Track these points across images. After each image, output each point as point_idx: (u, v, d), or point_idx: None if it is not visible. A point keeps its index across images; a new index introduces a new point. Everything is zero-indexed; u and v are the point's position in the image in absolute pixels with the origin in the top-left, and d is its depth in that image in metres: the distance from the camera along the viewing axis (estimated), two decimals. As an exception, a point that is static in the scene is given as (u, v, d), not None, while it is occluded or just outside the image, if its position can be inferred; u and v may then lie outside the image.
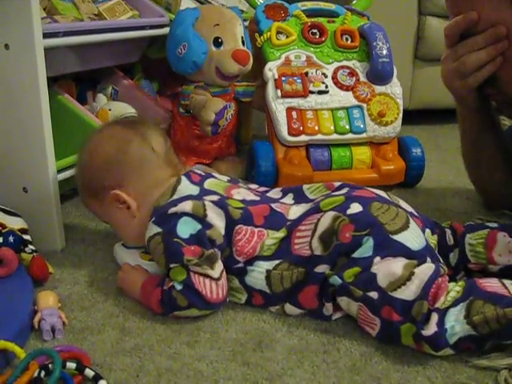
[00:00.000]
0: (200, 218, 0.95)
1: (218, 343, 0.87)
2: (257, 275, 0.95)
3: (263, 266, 0.95)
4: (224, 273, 0.94)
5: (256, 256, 0.96)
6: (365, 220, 0.92)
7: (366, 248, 0.89)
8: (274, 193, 1.10)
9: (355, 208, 0.94)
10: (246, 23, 1.70)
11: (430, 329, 0.81)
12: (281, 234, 0.96)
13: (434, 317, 0.82)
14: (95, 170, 1.05)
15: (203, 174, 1.08)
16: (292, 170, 1.47)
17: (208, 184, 1.04)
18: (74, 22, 1.34)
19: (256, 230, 0.97)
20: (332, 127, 1.52)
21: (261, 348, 0.86)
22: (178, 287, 0.92)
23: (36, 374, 0.73)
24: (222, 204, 0.98)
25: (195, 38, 1.46)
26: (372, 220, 0.92)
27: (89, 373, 0.77)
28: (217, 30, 1.49)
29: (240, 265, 0.96)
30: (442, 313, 0.82)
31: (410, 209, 1.02)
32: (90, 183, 1.06)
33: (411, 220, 0.95)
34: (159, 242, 0.95)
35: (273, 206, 1.02)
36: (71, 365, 0.77)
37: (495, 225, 1.03)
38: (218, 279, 0.92)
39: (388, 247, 0.89)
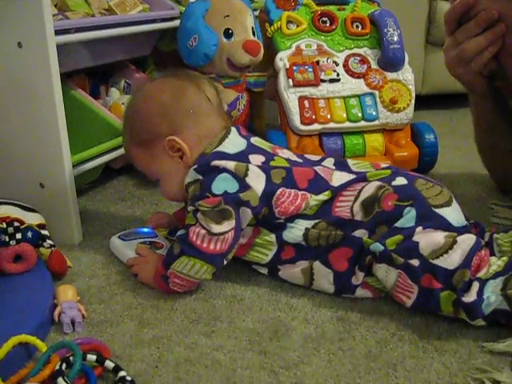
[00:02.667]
0: (240, 177, 0.96)
1: (235, 333, 0.88)
2: (295, 231, 0.97)
3: (303, 224, 0.97)
4: (232, 232, 0.94)
5: (297, 214, 0.97)
6: (408, 191, 0.94)
7: (409, 218, 0.91)
8: (312, 157, 1.11)
9: (400, 181, 0.97)
10: (256, 13, 1.70)
11: (471, 296, 0.83)
12: (325, 196, 0.98)
13: (476, 285, 0.83)
14: (151, 116, 1.03)
15: (248, 132, 1.09)
16: (305, 159, 1.47)
17: (254, 140, 1.06)
18: (85, 17, 1.35)
19: (300, 192, 0.98)
20: (344, 115, 1.52)
21: (277, 337, 0.87)
22: (179, 232, 0.95)
23: (57, 367, 0.75)
24: (265, 168, 0.99)
25: (206, 29, 1.47)
26: (415, 192, 0.94)
27: (109, 364, 0.78)
28: (227, 21, 1.50)
29: (280, 221, 0.98)
30: (483, 283, 0.84)
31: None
32: (143, 130, 1.04)
33: (454, 200, 0.96)
34: (198, 189, 0.97)
35: (317, 169, 1.02)
36: (91, 357, 0.78)
37: None
38: (215, 234, 0.93)
39: (430, 219, 0.91)
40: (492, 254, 0.97)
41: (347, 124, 1.52)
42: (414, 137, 1.58)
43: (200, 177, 0.97)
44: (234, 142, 1.02)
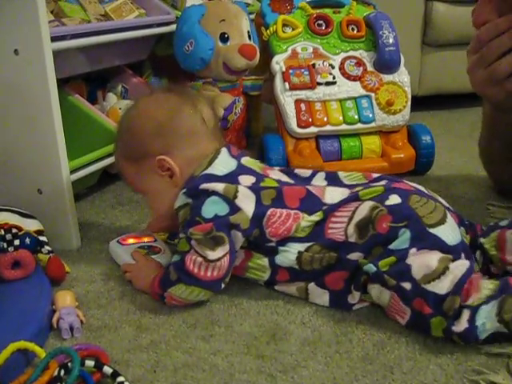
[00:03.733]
0: (229, 199, 0.95)
1: (233, 337, 0.89)
2: (288, 255, 0.96)
3: (296, 247, 0.96)
4: (226, 257, 0.94)
5: (289, 237, 0.96)
6: (403, 212, 0.92)
7: (403, 240, 0.90)
8: (302, 172, 1.10)
9: (394, 199, 0.94)
10: (252, 16, 1.70)
11: (461, 325, 0.82)
12: (317, 217, 0.96)
13: (466, 313, 0.82)
14: (144, 134, 1.02)
15: (240, 151, 1.08)
16: (302, 162, 1.48)
17: (245, 160, 1.05)
18: (82, 23, 1.36)
19: (292, 212, 0.97)
20: (341, 118, 1.52)
21: (274, 340, 0.88)
22: (174, 259, 0.94)
23: (56, 373, 0.75)
24: (255, 189, 0.98)
25: (202, 34, 1.48)
26: (410, 212, 0.92)
27: (107, 370, 0.78)
28: (223, 25, 1.51)
29: (272, 244, 0.97)
30: (474, 310, 0.82)
31: (446, 204, 1.01)
32: (136, 147, 1.03)
33: (448, 215, 0.94)
34: (188, 213, 0.96)
35: (309, 188, 1.02)
36: (90, 363, 0.79)
37: (506, 222, 1.00)
38: (212, 261, 0.92)
39: (424, 240, 0.90)
40: (486, 259, 0.98)
41: (344, 126, 1.53)
42: (410, 138, 1.59)
43: (189, 200, 0.97)
44: (224, 163, 1.01)
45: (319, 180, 1.08)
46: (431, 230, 0.90)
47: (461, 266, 0.87)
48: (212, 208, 0.95)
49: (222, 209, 0.95)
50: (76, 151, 1.26)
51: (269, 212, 0.96)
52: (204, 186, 0.96)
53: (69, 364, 0.77)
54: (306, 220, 0.96)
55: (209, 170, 0.99)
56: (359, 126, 1.53)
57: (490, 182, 1.44)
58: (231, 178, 0.99)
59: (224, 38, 1.49)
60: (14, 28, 1.06)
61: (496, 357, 0.82)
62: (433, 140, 1.57)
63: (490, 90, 1.07)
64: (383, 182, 1.01)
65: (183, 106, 1.04)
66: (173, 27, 1.55)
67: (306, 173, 1.10)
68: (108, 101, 1.57)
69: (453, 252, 0.89)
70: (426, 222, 0.91)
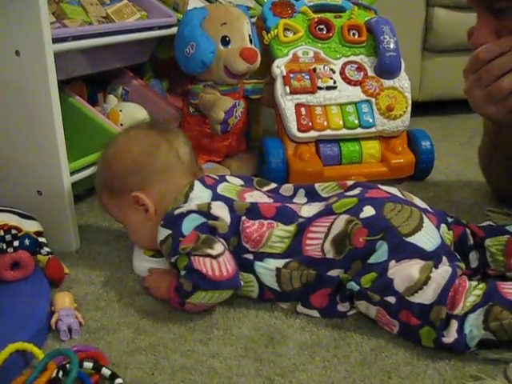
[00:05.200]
0: (205, 212, 0.97)
1: (231, 340, 0.89)
2: (266, 272, 0.96)
3: (273, 264, 0.96)
4: (227, 253, 0.94)
5: (264, 251, 0.96)
6: (378, 224, 0.92)
7: (381, 253, 0.90)
8: (285, 189, 1.12)
9: (368, 211, 0.94)
10: (253, 20, 1.70)
11: (451, 336, 0.82)
12: (291, 228, 0.97)
13: (454, 324, 0.82)
14: (121, 171, 1.06)
15: (217, 178, 1.09)
16: (302, 166, 1.48)
17: (221, 189, 1.05)
18: (83, 25, 1.36)
19: (265, 221, 0.98)
20: (341, 122, 1.53)
21: (273, 344, 0.88)
22: (182, 273, 0.93)
23: (54, 374, 0.75)
24: (227, 202, 1.00)
25: (203, 37, 1.48)
26: (385, 224, 0.92)
27: (105, 372, 0.78)
28: (224, 28, 1.51)
29: (249, 256, 0.96)
30: (461, 319, 0.82)
31: (423, 205, 1.01)
32: (113, 183, 1.07)
33: (425, 218, 0.94)
34: (170, 243, 0.97)
35: (285, 204, 1.03)
36: (88, 364, 0.79)
37: None
38: (217, 256, 0.92)
39: (402, 250, 0.90)
40: (483, 259, 0.99)
41: (344, 131, 1.53)
42: (410, 144, 1.59)
43: (169, 231, 0.98)
44: (198, 196, 1.02)
45: (300, 197, 1.10)
46: (408, 239, 0.90)
47: (443, 273, 0.87)
48: (190, 224, 0.96)
49: (199, 221, 0.96)
50: (76, 153, 1.26)
51: (243, 218, 0.98)
52: (178, 210, 0.98)
53: (67, 365, 0.77)
54: (281, 229, 0.97)
55: (184, 207, 1.00)
56: (359, 130, 1.54)
57: (489, 188, 1.44)
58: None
59: (225, 42, 1.49)
60: (15, 29, 1.06)
61: (493, 362, 0.82)
62: (432, 145, 1.58)
63: (491, 109, 1.05)
64: (357, 191, 1.02)
65: (159, 143, 1.08)
66: (174, 30, 1.55)
67: (290, 190, 1.12)
68: (108, 103, 1.57)
69: (433, 257, 0.90)
70: (402, 231, 0.91)
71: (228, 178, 1.12)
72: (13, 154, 1.15)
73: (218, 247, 0.93)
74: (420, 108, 2.13)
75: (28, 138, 1.13)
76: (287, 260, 0.95)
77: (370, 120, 1.54)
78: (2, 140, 1.15)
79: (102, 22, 1.43)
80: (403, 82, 1.60)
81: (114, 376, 0.78)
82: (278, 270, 0.95)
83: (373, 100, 1.56)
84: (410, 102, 1.59)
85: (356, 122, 1.53)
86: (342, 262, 0.93)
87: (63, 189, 1.15)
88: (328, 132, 1.52)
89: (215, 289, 0.92)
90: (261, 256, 0.96)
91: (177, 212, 0.98)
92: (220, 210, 0.98)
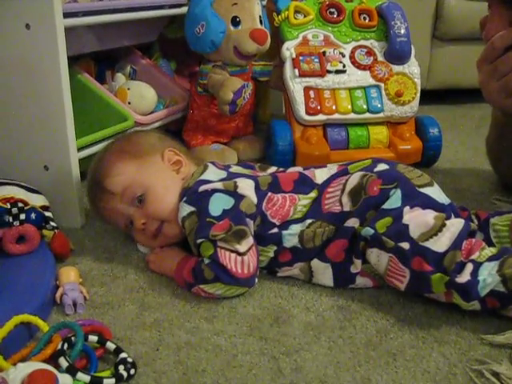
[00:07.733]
0: (232, 191, 0.97)
1: (236, 318, 0.89)
2: (291, 237, 0.97)
3: (297, 228, 0.97)
4: (253, 249, 0.94)
5: (289, 220, 0.98)
6: (392, 174, 0.97)
7: (395, 199, 0.93)
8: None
9: (382, 166, 1.00)
10: (264, 2, 1.69)
11: (464, 277, 0.83)
12: (312, 194, 1.00)
13: (469, 266, 0.84)
14: (146, 141, 1.11)
15: (224, 165, 1.12)
16: (309, 149, 1.48)
17: (234, 169, 1.08)
18: (94, 1, 1.35)
19: (287, 195, 1.00)
20: (349, 107, 1.52)
21: (278, 323, 0.88)
22: (206, 261, 0.93)
23: (59, 347, 0.75)
24: (251, 177, 1.02)
25: (213, 17, 1.47)
26: (398, 174, 0.97)
27: (110, 346, 0.79)
28: (235, 9, 1.50)
29: (275, 230, 0.98)
30: (477, 265, 0.84)
31: None
32: (140, 145, 1.09)
33: (435, 183, 0.99)
34: (195, 221, 0.97)
35: (301, 171, 1.06)
36: (93, 338, 0.79)
37: None
38: (243, 254, 0.92)
39: (416, 198, 0.93)
40: (488, 239, 0.99)
41: (352, 115, 1.52)
42: (418, 130, 1.58)
43: (193, 208, 0.97)
44: (215, 172, 1.04)
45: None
46: (421, 190, 0.95)
47: (457, 223, 0.90)
48: (218, 204, 0.96)
49: (227, 202, 0.96)
50: (83, 129, 1.26)
51: (269, 194, 1.00)
52: (203, 187, 0.99)
53: (72, 338, 0.77)
54: (303, 198, 1.00)
55: (202, 177, 1.01)
56: (367, 115, 1.53)
57: (496, 177, 1.44)
58: (226, 179, 1.02)
59: (235, 22, 1.48)
60: (26, 2, 1.05)
61: (499, 347, 0.82)
62: (440, 132, 1.57)
63: (506, 102, 1.05)
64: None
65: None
66: (184, 9, 1.54)
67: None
68: (116, 81, 1.56)
69: (445, 210, 0.93)
70: (414, 182, 0.96)
71: (233, 165, 1.13)
72: (20, 128, 1.15)
73: (246, 243, 0.93)
74: (427, 96, 2.11)
75: (36, 112, 1.12)
76: (309, 221, 0.97)
77: (379, 105, 1.53)
78: (10, 114, 1.15)
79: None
80: (413, 67, 1.59)
81: (118, 350, 0.78)
82: (301, 232, 0.97)
83: (382, 85, 1.55)
84: (419, 88, 1.58)
85: (364, 106, 1.53)
86: (358, 211, 0.95)
87: (70, 165, 1.14)
88: (336, 116, 1.51)
89: (235, 284, 0.93)
90: (286, 225, 0.98)
91: (201, 189, 0.98)
92: (247, 188, 0.99)
